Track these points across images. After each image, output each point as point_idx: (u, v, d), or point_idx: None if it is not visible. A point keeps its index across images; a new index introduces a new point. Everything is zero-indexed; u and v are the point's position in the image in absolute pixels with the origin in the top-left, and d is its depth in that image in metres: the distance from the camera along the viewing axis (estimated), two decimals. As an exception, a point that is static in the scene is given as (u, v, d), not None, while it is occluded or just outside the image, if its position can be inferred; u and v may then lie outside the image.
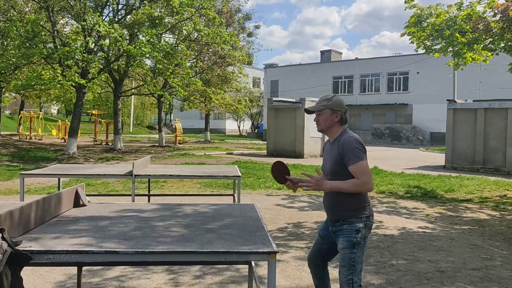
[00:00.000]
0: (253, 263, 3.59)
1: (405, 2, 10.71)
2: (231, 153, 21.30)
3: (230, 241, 2.49)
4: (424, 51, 11.28)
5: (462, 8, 10.29)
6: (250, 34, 33.65)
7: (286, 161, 17.19)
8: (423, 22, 10.62)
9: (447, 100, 16.55)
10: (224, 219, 3.16)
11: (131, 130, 45.70)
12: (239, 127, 51.74)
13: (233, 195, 7.22)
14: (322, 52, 45.06)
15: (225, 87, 28.04)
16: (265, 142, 24.38)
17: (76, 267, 4.29)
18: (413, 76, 35.68)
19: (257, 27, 36.69)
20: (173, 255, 2.31)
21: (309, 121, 19.57)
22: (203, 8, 18.51)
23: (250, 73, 36.15)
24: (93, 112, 29.47)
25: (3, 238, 2.22)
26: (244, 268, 4.56)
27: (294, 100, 21.26)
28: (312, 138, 19.90)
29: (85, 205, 3.56)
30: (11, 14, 17.05)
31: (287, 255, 5.15)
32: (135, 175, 5.89)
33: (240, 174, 6.09)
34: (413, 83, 35.76)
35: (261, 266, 4.64)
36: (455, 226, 6.87)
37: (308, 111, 3.27)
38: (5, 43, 19.16)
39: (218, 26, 19.18)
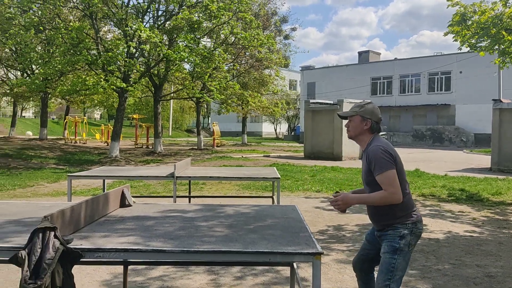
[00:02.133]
0: (295, 264, 3.58)
1: (448, 0, 10.39)
2: (268, 156, 21.32)
3: (274, 241, 2.48)
4: (468, 49, 10.91)
5: (508, 4, 9.87)
6: (286, 37, 33.65)
7: (324, 163, 17.06)
8: (467, 20, 10.26)
9: (493, 100, 15.93)
10: (266, 220, 3.16)
11: (170, 134, 46.62)
12: (275, 130, 51.72)
13: (272, 197, 7.21)
14: (360, 53, 44.42)
15: (262, 90, 28.12)
16: (302, 145, 24.26)
17: (122, 266, 4.45)
18: (456, 76, 34.55)
19: (293, 29, 36.64)
20: (218, 254, 2.32)
21: (347, 123, 19.31)
22: (240, 11, 18.67)
23: (287, 76, 36.12)
24: (134, 116, 30.27)
25: (56, 236, 2.30)
26: (284, 270, 4.54)
27: (331, 102, 21.08)
28: (351, 141, 19.52)
29: (130, 205, 3.65)
30: (56, 22, 17.77)
31: (328, 257, 5.09)
32: (177, 177, 5.98)
33: (279, 176, 6.07)
34: (456, 83, 34.62)
35: (302, 268, 4.60)
36: (504, 230, 6.59)
37: (340, 116, 3.21)
38: (51, 50, 19.99)
39: (255, 29, 19.27)
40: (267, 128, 53.64)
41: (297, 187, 10.86)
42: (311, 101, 22.34)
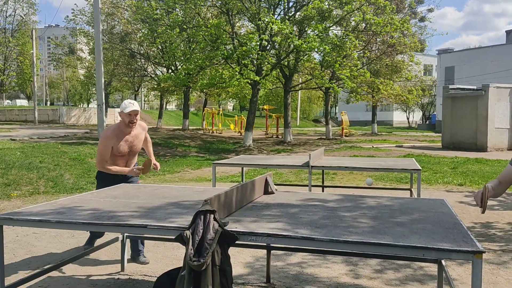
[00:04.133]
0: (443, 262, 3.38)
1: None
2: (401, 146, 20.31)
3: (426, 236, 2.37)
4: None
5: None
6: (422, 19, 31.37)
7: (466, 154, 15.72)
8: None
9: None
10: (413, 213, 3.03)
11: (298, 124, 47.24)
12: (408, 119, 48.98)
13: (410, 189, 6.88)
14: (508, 32, 39.54)
15: (395, 77, 26.78)
16: (439, 134, 22.58)
17: (262, 250, 4.68)
18: None
19: (430, 10, 33.88)
20: (367, 246, 2.30)
21: (494, 110, 17.42)
22: (372, -4, 18.01)
23: (422, 61, 33.75)
24: (264, 107, 31.31)
25: (215, 219, 2.52)
26: (428, 267, 4.31)
27: (475, 88, 19.17)
28: (498, 130, 17.68)
29: (273, 193, 3.81)
30: (197, 21, 19.18)
31: (477, 257, 4.69)
32: (312, 166, 6.05)
33: (420, 168, 5.75)
34: None
35: (449, 267, 4.32)
36: None
37: None
38: (192, 47, 21.64)
39: (389, 13, 18.39)
40: (398, 117, 51.08)
41: (436, 179, 10.18)
42: (451, 87, 20.60)
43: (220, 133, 28.47)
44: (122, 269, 4.32)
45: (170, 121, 42.60)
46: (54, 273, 4.06)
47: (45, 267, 3.90)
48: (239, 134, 27.19)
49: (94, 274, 4.23)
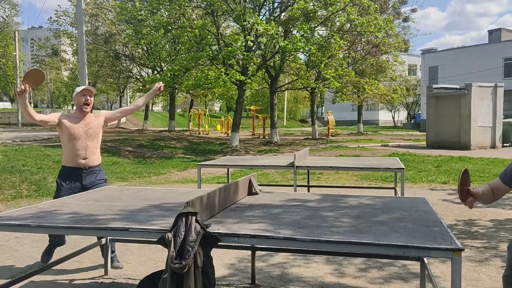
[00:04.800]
0: (425, 260, 3.42)
1: None
2: (387, 145, 20.48)
3: (406, 235, 2.40)
4: None
5: None
6: (405, 19, 31.74)
7: (450, 153, 15.92)
8: None
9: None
10: (394, 212, 3.06)
11: (284, 124, 47.33)
12: (393, 118, 49.44)
13: (394, 188, 6.94)
14: (490, 32, 40.21)
15: (380, 76, 27.03)
16: (424, 133, 22.83)
17: (245, 251, 4.67)
18: None
19: (413, 10, 34.71)
20: (348, 245, 2.31)
21: (477, 109, 17.68)
22: (356, -4, 18.14)
23: (406, 61, 34.10)
24: (251, 108, 31.31)
25: (197, 221, 2.51)
26: (411, 264, 4.36)
27: (458, 87, 19.43)
28: (481, 128, 17.95)
29: (257, 194, 3.81)
30: (182, 22, 19.09)
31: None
32: (297, 166, 6.07)
33: (404, 167, 5.80)
34: None
35: (431, 264, 4.37)
36: None
37: None
38: (177, 48, 21.55)
39: (373, 14, 18.55)
40: (384, 116, 51.54)
41: (420, 178, 10.30)
42: (434, 86, 20.85)
43: (206, 134, 28.39)
44: (106, 272, 4.27)
45: (156, 123, 42.34)
46: (36, 278, 3.99)
47: (27, 272, 3.84)
48: (226, 135, 27.14)
49: (77, 278, 4.18)
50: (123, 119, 34.87)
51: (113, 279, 4.14)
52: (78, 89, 4.42)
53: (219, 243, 2.52)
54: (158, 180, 10.88)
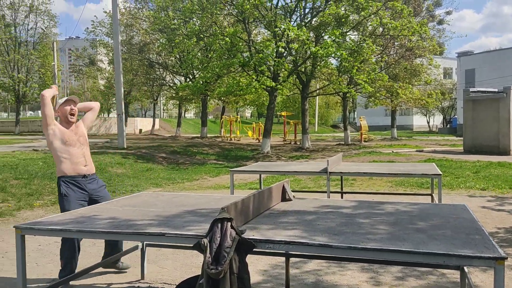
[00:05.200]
0: (465, 268, 3.31)
1: None
2: (422, 151, 20.00)
3: (446, 243, 2.33)
4: None
5: None
6: (440, 22, 31.04)
7: (488, 158, 15.43)
8: None
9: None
10: (433, 219, 2.98)
11: (316, 130, 47.06)
12: (428, 123, 48.26)
13: (431, 194, 6.77)
14: (531, 32, 38.79)
15: (414, 80, 26.48)
16: (461, 138, 22.21)
17: (278, 258, 4.65)
18: None
19: (448, 13, 33.66)
20: (387, 253, 2.27)
21: (517, 112, 17.05)
22: (389, 0, 17.88)
23: (441, 64, 33.29)
24: (282, 113, 31.30)
25: (232, 227, 2.52)
26: (451, 273, 4.23)
27: (496, 90, 18.81)
28: (521, 132, 17.30)
29: (290, 200, 3.80)
30: (214, 30, 19.33)
31: (502, 263, 4.57)
32: (330, 172, 6.01)
33: (441, 172, 5.65)
34: None
35: (472, 273, 4.23)
36: None
37: None
38: (209, 55, 21.82)
39: (406, 17, 18.24)
40: (418, 121, 50.39)
41: (458, 184, 10.00)
42: (471, 89, 20.25)
43: (238, 140, 28.54)
44: (142, 277, 4.35)
45: (188, 129, 42.94)
46: (75, 282, 4.11)
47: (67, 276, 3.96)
48: (257, 141, 27.21)
49: (114, 282, 4.27)
50: (157, 126, 35.55)
51: (150, 283, 4.21)
52: (60, 100, 4.29)
53: (254, 249, 2.53)
54: (191, 186, 11.01)
